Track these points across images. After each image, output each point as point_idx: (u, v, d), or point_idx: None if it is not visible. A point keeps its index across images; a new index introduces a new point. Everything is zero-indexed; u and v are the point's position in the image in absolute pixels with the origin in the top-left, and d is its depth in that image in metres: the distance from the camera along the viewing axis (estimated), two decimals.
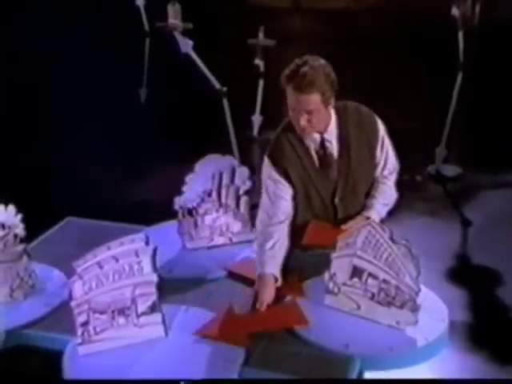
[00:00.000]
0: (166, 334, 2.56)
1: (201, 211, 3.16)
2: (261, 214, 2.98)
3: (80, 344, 2.50)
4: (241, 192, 3.19)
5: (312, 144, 2.97)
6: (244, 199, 3.19)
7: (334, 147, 2.98)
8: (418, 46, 9.30)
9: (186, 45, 5.30)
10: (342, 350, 2.47)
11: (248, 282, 2.89)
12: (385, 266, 2.60)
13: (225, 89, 5.54)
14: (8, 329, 2.66)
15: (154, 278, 2.54)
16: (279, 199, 2.95)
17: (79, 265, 2.52)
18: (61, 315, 2.70)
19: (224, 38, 9.41)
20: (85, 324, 2.50)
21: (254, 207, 3.29)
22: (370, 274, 2.63)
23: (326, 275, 2.71)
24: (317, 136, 2.96)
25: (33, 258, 2.94)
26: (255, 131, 7.03)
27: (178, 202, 3.16)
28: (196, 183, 3.16)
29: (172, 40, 5.46)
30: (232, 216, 3.18)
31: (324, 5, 11.63)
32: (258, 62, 6.82)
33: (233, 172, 3.19)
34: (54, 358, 2.58)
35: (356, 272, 2.66)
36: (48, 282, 2.93)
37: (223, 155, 3.25)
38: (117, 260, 2.52)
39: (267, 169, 2.98)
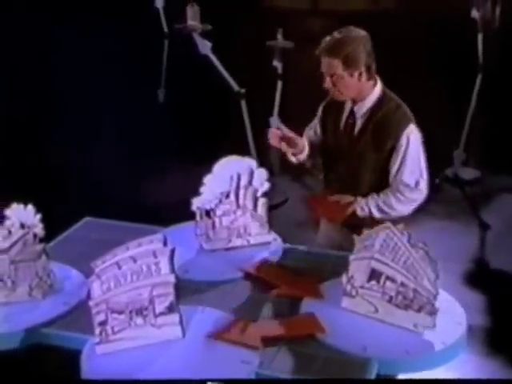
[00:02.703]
0: (184, 334, 2.57)
1: (218, 212, 3.16)
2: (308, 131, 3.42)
3: (98, 343, 2.51)
4: (259, 194, 3.19)
5: (346, 109, 3.22)
6: (262, 201, 3.19)
7: (357, 121, 3.17)
8: (438, 47, 9.25)
9: (205, 46, 5.32)
10: (359, 353, 2.47)
11: (265, 283, 2.89)
12: (403, 269, 2.59)
13: (243, 90, 5.55)
14: (27, 327, 2.67)
15: (172, 278, 2.54)
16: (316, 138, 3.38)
17: (97, 265, 2.53)
18: (79, 314, 2.71)
19: (242, 39, 9.42)
20: (103, 323, 2.51)
21: (271, 209, 3.29)
22: (387, 277, 2.63)
23: (344, 278, 2.70)
24: (349, 103, 3.20)
25: (51, 257, 2.95)
26: None
27: (196, 203, 3.16)
28: (214, 184, 3.16)
29: (191, 41, 5.48)
30: (250, 218, 3.18)
31: (342, 6, 11.60)
32: (276, 63, 6.81)
33: (251, 174, 3.18)
34: (71, 357, 2.60)
35: (374, 275, 2.65)
36: (66, 282, 2.94)
37: (241, 157, 3.26)
38: (135, 260, 2.53)
39: (319, 110, 3.36)
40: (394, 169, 3.13)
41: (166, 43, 8.65)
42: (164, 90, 8.43)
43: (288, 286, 2.84)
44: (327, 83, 3.11)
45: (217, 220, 3.16)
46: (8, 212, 2.88)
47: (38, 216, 2.90)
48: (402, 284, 2.60)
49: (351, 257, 2.70)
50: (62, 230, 3.42)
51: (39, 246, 2.88)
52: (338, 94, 3.15)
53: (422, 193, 3.17)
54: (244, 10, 11.05)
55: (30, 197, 2.98)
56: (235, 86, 5.57)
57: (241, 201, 3.17)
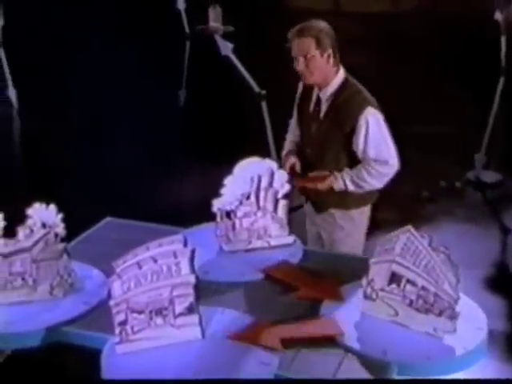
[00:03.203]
0: (203, 335, 2.57)
1: (239, 214, 3.16)
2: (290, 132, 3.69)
3: (118, 343, 2.52)
4: (279, 195, 3.18)
5: (314, 96, 3.47)
6: (282, 203, 3.19)
7: (322, 106, 3.42)
8: (459, 49, 9.20)
9: (226, 48, 5.32)
10: (379, 357, 2.46)
11: (285, 285, 2.89)
12: (423, 273, 2.58)
13: (264, 92, 5.55)
14: (47, 326, 2.69)
15: (192, 279, 2.55)
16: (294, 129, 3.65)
17: (118, 265, 2.55)
18: (99, 314, 2.72)
19: (263, 40, 9.42)
20: (123, 323, 2.52)
21: (291, 211, 3.29)
22: (408, 281, 2.61)
23: (364, 280, 2.69)
24: (316, 90, 3.45)
25: (72, 256, 2.97)
26: None
27: (217, 204, 3.16)
28: (235, 186, 3.16)
29: (212, 43, 5.49)
30: (270, 219, 3.18)
31: (363, 8, 11.56)
32: None
33: (271, 175, 3.18)
34: (91, 356, 2.61)
35: (394, 278, 2.64)
36: (87, 281, 2.96)
37: (262, 158, 3.26)
38: (155, 261, 2.54)
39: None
40: (359, 148, 3.34)
41: (187, 44, 8.67)
42: (185, 91, 8.46)
43: (308, 288, 2.84)
44: (300, 64, 3.33)
45: (237, 221, 3.16)
46: (30, 211, 2.90)
47: (60, 216, 2.92)
48: (423, 288, 2.58)
49: (372, 260, 2.70)
50: (82, 230, 3.44)
51: (60, 246, 2.90)
52: (309, 75, 3.36)
53: (392, 167, 3.36)
54: (266, 11, 11.06)
55: (52, 197, 3.00)
56: (256, 88, 5.56)
57: (261, 202, 3.17)
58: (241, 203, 3.16)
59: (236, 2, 9.17)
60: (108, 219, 3.56)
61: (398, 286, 2.63)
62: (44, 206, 2.92)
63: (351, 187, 3.36)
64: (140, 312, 2.53)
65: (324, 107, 3.42)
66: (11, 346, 2.94)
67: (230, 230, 3.16)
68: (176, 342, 2.54)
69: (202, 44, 6.45)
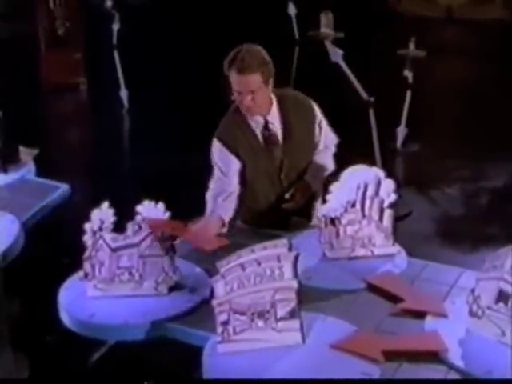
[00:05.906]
0: (304, 341, 2.57)
1: (343, 221, 3.14)
2: (214, 186, 3.41)
3: (220, 342, 2.56)
4: (385, 205, 3.14)
5: (256, 126, 3.38)
6: (388, 212, 3.14)
7: (277, 128, 3.39)
8: None
9: (336, 54, 5.31)
10: (483, 376, 2.38)
11: (388, 296, 2.85)
12: None
13: (372, 99, 5.50)
14: (152, 320, 2.77)
15: (295, 284, 2.56)
16: (232, 175, 3.37)
17: (222, 265, 2.58)
18: (202, 312, 2.77)
19: (374, 47, 9.32)
20: (225, 323, 2.55)
21: (396, 220, 3.24)
22: None
23: (470, 297, 2.62)
24: (260, 119, 3.37)
25: (177, 254, 3.03)
26: (399, 143, 6.92)
27: (321, 210, 3.16)
28: (340, 193, 3.14)
29: (322, 49, 5.48)
30: (375, 228, 3.14)
31: (478, 15, 11.23)
32: (407, 73, 6.72)
33: (378, 184, 3.15)
34: (192, 353, 2.66)
35: (502, 296, 2.55)
36: (190, 279, 3.01)
37: (369, 166, 3.23)
38: (259, 263, 2.56)
39: (217, 150, 3.42)
40: (321, 140, 3.50)
41: (296, 50, 8.69)
42: None
43: (412, 300, 2.79)
44: (248, 101, 3.25)
45: (341, 229, 3.14)
46: (139, 208, 2.99)
47: (168, 214, 2.99)
48: None
49: (478, 276, 2.62)
50: None
51: (167, 243, 2.97)
52: (257, 108, 3.31)
53: (334, 137, 3.63)
54: (377, 18, 10.94)
55: (161, 196, 3.08)
56: (364, 95, 5.52)
57: (366, 211, 3.14)
58: (346, 210, 3.14)
59: (348, 8, 9.14)
60: None
61: (506, 304, 2.54)
62: (153, 203, 3.00)
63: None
64: (242, 313, 2.55)
65: (278, 126, 3.39)
66: (115, 338, 3.05)
67: (334, 237, 3.14)
68: (276, 346, 2.55)
69: (311, 50, 6.45)
